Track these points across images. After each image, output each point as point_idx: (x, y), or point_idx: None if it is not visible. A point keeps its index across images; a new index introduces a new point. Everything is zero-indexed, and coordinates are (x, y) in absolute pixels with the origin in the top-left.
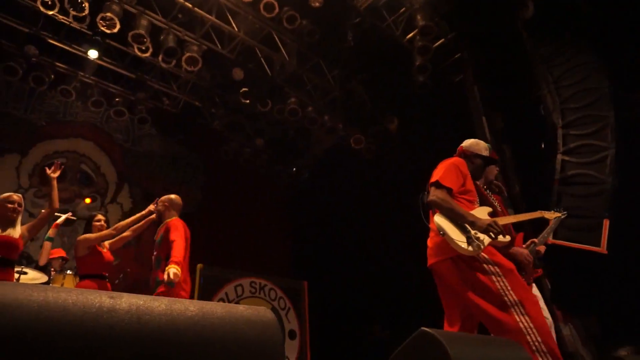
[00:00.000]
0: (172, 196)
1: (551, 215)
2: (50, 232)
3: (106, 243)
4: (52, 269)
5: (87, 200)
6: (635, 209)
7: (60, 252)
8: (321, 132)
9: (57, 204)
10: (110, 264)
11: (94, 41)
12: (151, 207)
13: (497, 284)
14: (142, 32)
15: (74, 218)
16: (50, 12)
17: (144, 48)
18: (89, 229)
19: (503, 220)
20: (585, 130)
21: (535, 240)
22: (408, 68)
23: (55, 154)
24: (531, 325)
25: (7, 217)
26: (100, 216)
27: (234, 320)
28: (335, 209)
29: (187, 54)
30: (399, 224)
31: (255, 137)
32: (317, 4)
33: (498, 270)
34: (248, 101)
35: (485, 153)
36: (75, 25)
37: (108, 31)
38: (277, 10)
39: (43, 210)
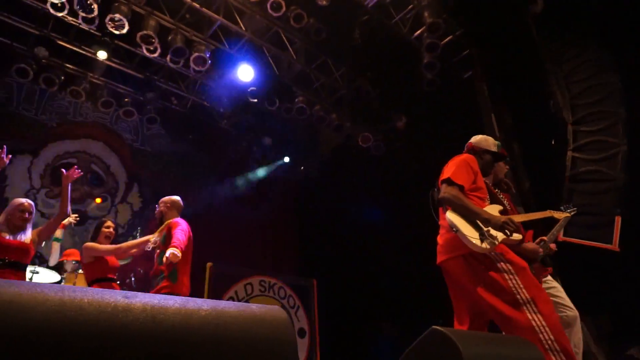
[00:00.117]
0: (174, 197)
1: (560, 215)
2: (58, 233)
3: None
4: (65, 269)
5: (98, 200)
6: None
7: (74, 253)
8: (329, 130)
9: (67, 210)
10: (116, 268)
11: (103, 42)
12: (151, 237)
13: (510, 281)
14: (150, 32)
15: (77, 220)
16: (60, 14)
17: (152, 48)
18: (97, 234)
19: (517, 219)
20: (596, 127)
21: (545, 238)
22: (416, 65)
23: (66, 154)
24: (544, 323)
25: (17, 225)
26: (109, 222)
27: (246, 319)
28: (344, 207)
29: (195, 54)
30: (408, 221)
31: (263, 136)
32: (324, 2)
33: (511, 268)
34: (256, 100)
35: (495, 149)
36: (84, 26)
37: (117, 32)
38: (284, 9)
39: (51, 219)
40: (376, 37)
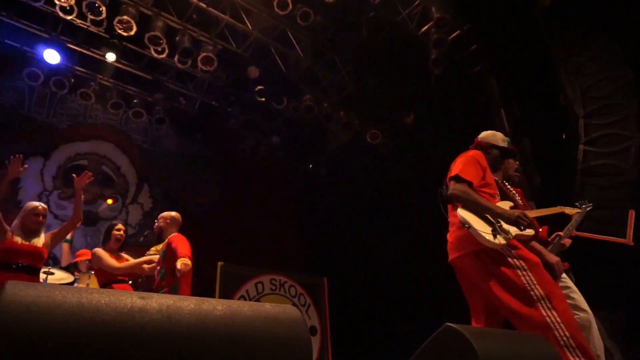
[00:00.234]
0: (173, 213)
1: (571, 210)
2: (67, 235)
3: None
4: (77, 270)
5: (109, 201)
6: None
7: (87, 254)
8: (337, 128)
9: (80, 216)
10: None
11: (111, 44)
12: (148, 259)
13: (523, 278)
14: (158, 33)
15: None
16: (69, 17)
17: (160, 49)
18: (108, 236)
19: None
20: (607, 120)
21: (561, 233)
22: (424, 61)
23: (77, 156)
24: (558, 320)
25: (31, 228)
26: (120, 225)
27: (261, 318)
28: (353, 205)
29: (203, 54)
30: (417, 218)
31: (271, 134)
32: (331, 0)
33: (523, 264)
34: (263, 99)
35: (502, 144)
36: (93, 29)
37: (125, 34)
38: (290, 7)
39: (66, 223)
40: (383, 33)
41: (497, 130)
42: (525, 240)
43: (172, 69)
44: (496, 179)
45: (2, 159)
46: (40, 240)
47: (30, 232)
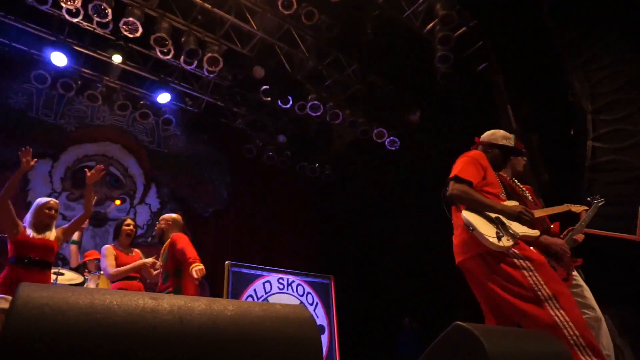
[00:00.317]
0: (174, 215)
1: (578, 208)
2: (75, 236)
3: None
4: (87, 270)
5: (117, 202)
6: None
7: (95, 254)
8: (343, 126)
9: (91, 211)
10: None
11: (117, 46)
12: (147, 261)
13: (530, 278)
14: (163, 35)
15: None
16: (75, 20)
17: (165, 50)
18: (118, 232)
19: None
20: (616, 115)
21: (573, 228)
22: (429, 59)
23: (85, 157)
24: (567, 318)
25: (44, 222)
26: (129, 220)
27: (271, 318)
28: (360, 203)
29: (208, 55)
30: (425, 216)
31: (277, 134)
32: None
33: (529, 264)
34: (269, 99)
35: (503, 142)
36: (99, 31)
37: (131, 35)
38: (295, 6)
39: (77, 218)
40: (388, 31)
41: (504, 128)
42: (533, 240)
43: (178, 70)
44: (505, 176)
45: (12, 162)
46: (52, 234)
47: (43, 227)
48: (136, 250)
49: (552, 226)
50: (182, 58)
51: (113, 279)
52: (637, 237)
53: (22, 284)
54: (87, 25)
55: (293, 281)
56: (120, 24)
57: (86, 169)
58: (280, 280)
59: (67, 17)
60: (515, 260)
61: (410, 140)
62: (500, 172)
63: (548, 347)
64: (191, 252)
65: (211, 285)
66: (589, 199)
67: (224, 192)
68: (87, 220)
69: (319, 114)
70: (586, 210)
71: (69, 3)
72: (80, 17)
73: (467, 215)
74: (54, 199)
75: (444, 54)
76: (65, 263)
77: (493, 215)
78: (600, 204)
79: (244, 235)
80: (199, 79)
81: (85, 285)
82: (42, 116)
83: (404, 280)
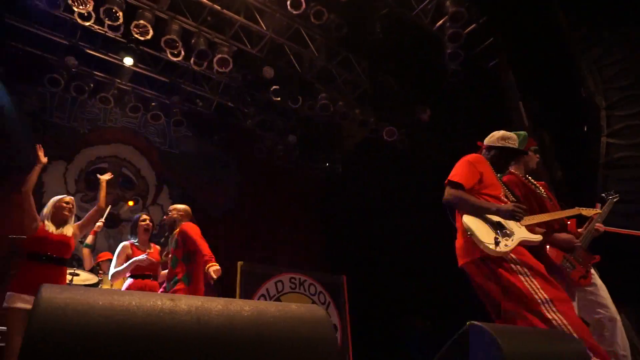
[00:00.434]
0: (185, 206)
1: (589, 211)
2: (89, 239)
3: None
4: (101, 271)
5: (130, 203)
6: None
7: (108, 255)
8: (353, 126)
9: (104, 204)
10: (154, 263)
11: (128, 49)
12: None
13: (526, 283)
14: (174, 36)
15: (100, 227)
16: (87, 23)
17: (176, 52)
18: (135, 228)
19: (536, 219)
20: (630, 111)
21: (588, 226)
22: (439, 56)
23: (98, 159)
24: (565, 322)
25: (62, 217)
26: (144, 216)
27: (287, 318)
28: (371, 203)
29: (218, 56)
30: (435, 214)
31: (287, 134)
32: None
33: (526, 270)
34: (279, 99)
35: (501, 143)
36: (110, 34)
37: (142, 38)
38: (304, 6)
39: (91, 212)
40: (397, 29)
41: (516, 125)
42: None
43: (188, 71)
44: (518, 174)
45: (28, 164)
46: (69, 230)
47: (60, 222)
48: (156, 246)
49: (568, 222)
50: (192, 59)
51: (112, 280)
52: None
53: (43, 286)
54: (99, 29)
55: (305, 280)
56: (131, 27)
57: (98, 174)
58: (293, 280)
59: (79, 21)
60: (513, 266)
61: (421, 139)
62: (512, 170)
63: (566, 347)
64: (206, 248)
65: (222, 285)
66: (603, 194)
67: (235, 192)
68: (103, 220)
69: (329, 113)
70: (599, 212)
71: (81, 7)
72: (92, 21)
73: (467, 220)
74: (69, 196)
75: (453, 51)
76: (80, 264)
77: (495, 219)
78: (615, 200)
79: (255, 235)
80: (209, 80)
81: (99, 286)
82: (56, 119)
83: (414, 279)
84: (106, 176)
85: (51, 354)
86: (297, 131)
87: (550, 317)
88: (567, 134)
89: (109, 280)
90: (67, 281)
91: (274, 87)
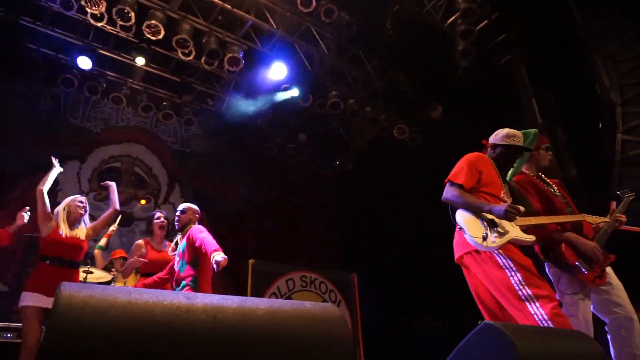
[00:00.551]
0: (196, 208)
1: (595, 219)
2: (102, 242)
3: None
4: (114, 269)
5: (143, 202)
6: None
7: (121, 253)
8: (363, 123)
9: (117, 205)
10: (159, 263)
11: (140, 48)
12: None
13: (512, 278)
14: (185, 36)
15: (114, 228)
16: (99, 24)
17: (187, 52)
18: (151, 226)
19: (533, 221)
20: None
21: (604, 225)
22: (450, 53)
23: (111, 158)
24: (546, 317)
25: (76, 216)
26: (159, 214)
27: (302, 317)
28: (381, 201)
29: (229, 55)
30: (446, 213)
31: (298, 132)
32: None
33: (512, 265)
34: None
35: (506, 141)
36: (122, 34)
37: (153, 38)
38: (314, 4)
39: (106, 214)
40: (408, 26)
41: (529, 122)
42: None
43: (199, 71)
44: (529, 173)
45: (43, 163)
46: (82, 233)
47: (73, 222)
48: (171, 244)
49: (583, 222)
50: (203, 59)
51: (123, 277)
52: None
53: (63, 284)
54: (111, 29)
55: (316, 279)
56: (143, 27)
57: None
58: (304, 278)
59: (92, 21)
60: (500, 261)
61: (432, 137)
62: (523, 170)
63: (582, 347)
64: (211, 242)
65: (234, 283)
66: (619, 192)
67: (246, 190)
68: (116, 226)
69: (339, 111)
70: (606, 220)
71: (93, 8)
72: (105, 21)
73: (460, 215)
74: (82, 196)
75: (465, 48)
76: (93, 262)
77: (488, 217)
78: (631, 198)
79: (265, 233)
80: (220, 79)
81: (112, 284)
82: (70, 119)
83: (424, 277)
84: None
85: (71, 351)
86: (308, 129)
87: (532, 312)
88: (581, 131)
89: (122, 278)
90: (81, 279)
91: (285, 85)
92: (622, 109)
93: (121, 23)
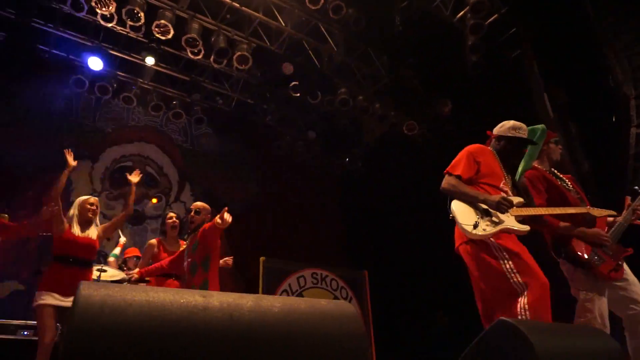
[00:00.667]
0: (209, 207)
1: (600, 212)
2: (116, 251)
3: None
4: (126, 268)
5: (154, 201)
6: None
7: (134, 251)
8: (373, 120)
9: (132, 209)
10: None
11: (150, 48)
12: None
13: (503, 266)
14: (194, 35)
15: (124, 240)
16: (110, 25)
17: (196, 51)
18: (164, 226)
19: (531, 211)
20: None
21: (618, 220)
22: (460, 48)
23: (122, 158)
24: (526, 307)
25: (87, 218)
26: (171, 214)
27: (317, 315)
28: (391, 197)
29: (238, 53)
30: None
31: (307, 130)
32: None
33: (504, 253)
34: (298, 95)
35: (511, 133)
36: (132, 34)
37: (163, 38)
38: (322, 1)
39: (118, 216)
40: (417, 22)
41: (540, 117)
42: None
43: (209, 69)
44: (541, 168)
45: (56, 164)
46: (94, 233)
47: (86, 223)
48: (184, 243)
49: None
50: (212, 57)
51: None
52: None
53: (82, 283)
54: (121, 30)
55: (327, 276)
56: (152, 27)
57: (127, 173)
58: (315, 275)
59: (102, 22)
60: (493, 249)
61: (441, 133)
62: (535, 165)
63: (599, 344)
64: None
65: (244, 281)
66: (636, 187)
67: (256, 188)
68: (124, 241)
69: (348, 108)
70: (611, 213)
71: (103, 9)
72: (115, 22)
73: (454, 205)
74: (93, 197)
75: (475, 42)
76: (105, 261)
77: (483, 206)
78: None
79: (275, 231)
80: (229, 78)
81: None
82: (82, 119)
83: (436, 274)
84: (135, 177)
85: (90, 351)
86: (317, 127)
87: (519, 299)
88: (594, 125)
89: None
90: (95, 277)
91: (293, 82)
92: (636, 102)
93: (131, 23)
